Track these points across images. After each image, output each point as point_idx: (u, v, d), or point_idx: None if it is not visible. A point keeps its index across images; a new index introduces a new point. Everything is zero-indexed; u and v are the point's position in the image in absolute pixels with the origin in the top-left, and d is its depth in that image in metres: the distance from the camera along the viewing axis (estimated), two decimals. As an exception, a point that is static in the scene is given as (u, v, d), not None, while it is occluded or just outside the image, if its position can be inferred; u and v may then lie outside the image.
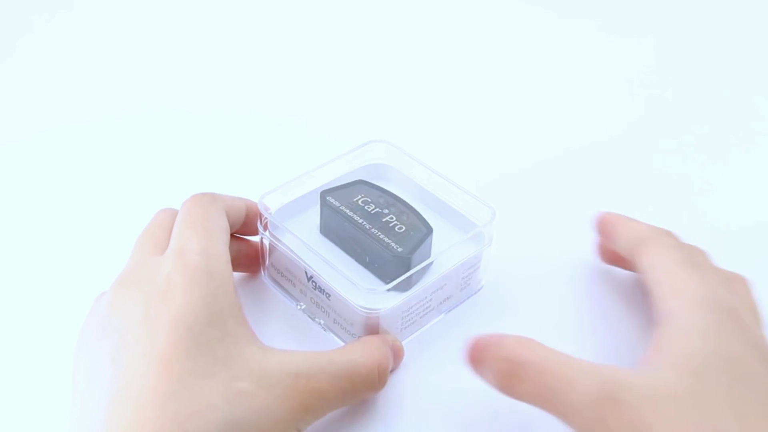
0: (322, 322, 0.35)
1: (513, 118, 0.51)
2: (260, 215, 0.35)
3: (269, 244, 0.36)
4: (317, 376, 0.28)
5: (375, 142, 0.39)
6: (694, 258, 0.32)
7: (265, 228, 0.35)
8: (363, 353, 0.30)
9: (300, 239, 0.34)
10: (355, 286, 0.32)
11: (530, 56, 0.58)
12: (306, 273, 0.34)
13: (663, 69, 0.56)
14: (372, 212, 0.35)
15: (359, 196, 0.36)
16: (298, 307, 0.36)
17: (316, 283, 0.34)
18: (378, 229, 0.34)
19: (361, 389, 0.30)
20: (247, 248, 0.36)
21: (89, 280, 0.34)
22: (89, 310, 0.31)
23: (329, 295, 0.33)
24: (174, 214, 0.33)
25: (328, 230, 0.36)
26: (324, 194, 0.36)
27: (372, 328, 0.32)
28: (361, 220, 0.35)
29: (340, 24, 0.60)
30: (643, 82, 0.55)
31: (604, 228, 0.36)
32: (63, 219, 0.41)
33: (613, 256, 0.38)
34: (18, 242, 0.40)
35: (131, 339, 0.27)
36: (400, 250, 0.33)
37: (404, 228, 0.35)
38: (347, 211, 0.35)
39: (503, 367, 0.27)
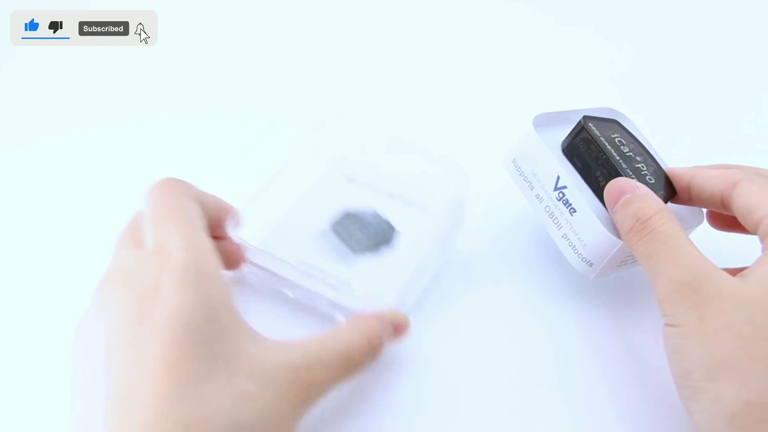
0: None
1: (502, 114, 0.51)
2: None
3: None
4: (315, 367, 0.29)
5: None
6: None
7: None
8: (356, 335, 0.31)
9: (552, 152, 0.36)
10: (605, 215, 0.35)
11: (522, 58, 0.58)
12: (557, 181, 0.35)
13: (644, 71, 0.56)
14: (627, 154, 0.36)
15: (614, 134, 0.37)
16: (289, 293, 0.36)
17: (564, 195, 0.35)
18: (632, 171, 0.35)
19: (356, 369, 0.31)
20: (224, 245, 0.34)
21: (82, 279, 0.33)
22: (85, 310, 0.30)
23: (574, 212, 0.35)
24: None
25: (573, 152, 0.37)
26: (586, 119, 0.36)
27: (604, 254, 0.35)
28: (618, 158, 0.36)
29: (335, 25, 0.60)
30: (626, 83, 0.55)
31: (680, 183, 0.36)
32: (58, 220, 0.42)
33: (725, 221, 0.38)
34: (13, 243, 0.40)
35: (125, 340, 0.26)
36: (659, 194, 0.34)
37: (654, 180, 0.36)
38: (606, 144, 0.36)
39: (630, 223, 0.33)
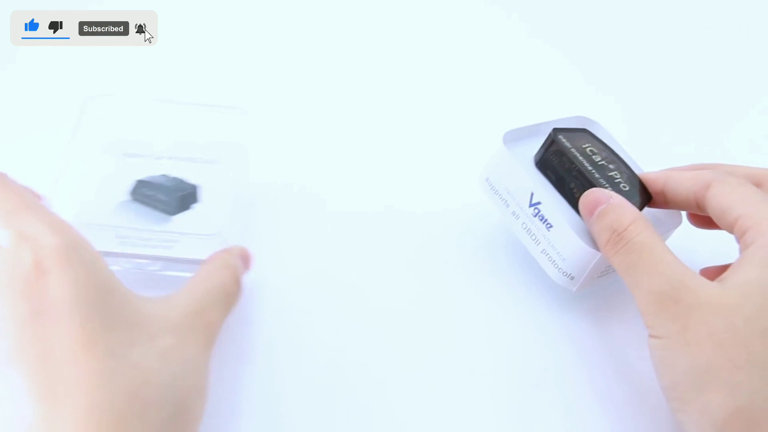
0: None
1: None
2: None
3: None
4: (208, 309, 0.31)
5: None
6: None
7: None
8: (223, 271, 0.33)
9: (521, 167, 0.35)
10: (582, 228, 0.35)
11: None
12: (531, 197, 0.35)
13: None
14: (599, 163, 0.36)
15: (586, 144, 0.37)
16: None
17: (539, 211, 0.35)
18: (605, 180, 0.35)
19: (233, 302, 0.34)
20: None
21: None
22: None
23: (551, 227, 0.35)
24: None
25: (546, 165, 0.37)
26: (556, 131, 0.36)
27: (584, 267, 0.35)
28: (590, 168, 0.35)
29: (334, 23, 0.59)
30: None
31: (655, 187, 0.36)
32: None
33: (705, 220, 0.38)
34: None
35: (26, 339, 0.25)
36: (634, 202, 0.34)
37: (628, 187, 0.36)
38: (578, 155, 0.36)
39: (606, 236, 0.33)
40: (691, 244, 0.38)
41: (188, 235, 0.36)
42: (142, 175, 0.39)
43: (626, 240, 0.32)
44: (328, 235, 0.42)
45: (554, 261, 0.36)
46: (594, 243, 0.34)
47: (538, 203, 0.35)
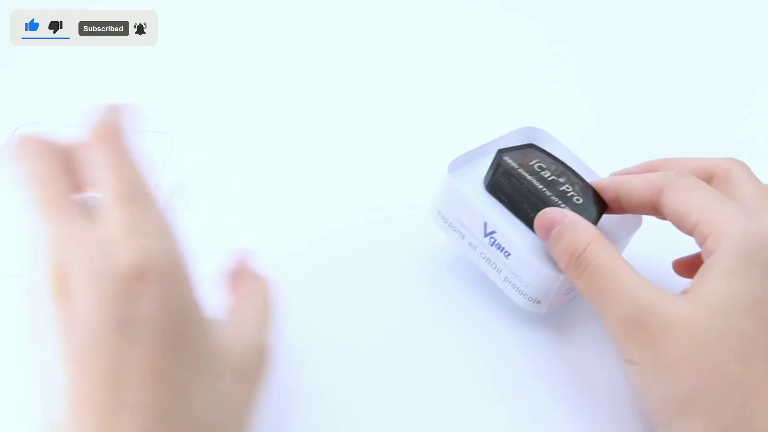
0: None
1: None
2: None
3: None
4: (265, 338, 0.29)
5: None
6: (725, 189, 0.32)
7: None
8: (268, 290, 0.31)
9: (471, 192, 0.35)
10: (541, 249, 0.34)
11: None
12: (485, 227, 0.34)
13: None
14: (549, 179, 0.35)
15: (533, 160, 0.36)
16: None
17: (495, 240, 0.34)
18: (557, 196, 0.34)
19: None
20: None
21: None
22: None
23: (509, 255, 0.34)
24: (61, 153, 0.27)
25: (496, 188, 0.36)
26: (501, 153, 0.35)
27: (549, 290, 0.34)
28: (541, 187, 0.35)
29: (334, 23, 0.60)
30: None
31: (608, 195, 0.35)
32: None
33: (687, 267, 0.36)
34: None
35: (103, 342, 0.24)
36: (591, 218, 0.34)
37: (582, 200, 0.35)
38: (526, 174, 0.35)
39: (566, 259, 0.32)
40: (663, 236, 0.36)
41: None
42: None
43: (586, 263, 0.31)
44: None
45: (518, 287, 0.35)
46: (556, 264, 0.33)
47: (493, 232, 0.34)
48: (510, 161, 0.35)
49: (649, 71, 0.56)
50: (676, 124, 0.52)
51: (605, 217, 0.35)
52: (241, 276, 0.32)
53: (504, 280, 0.35)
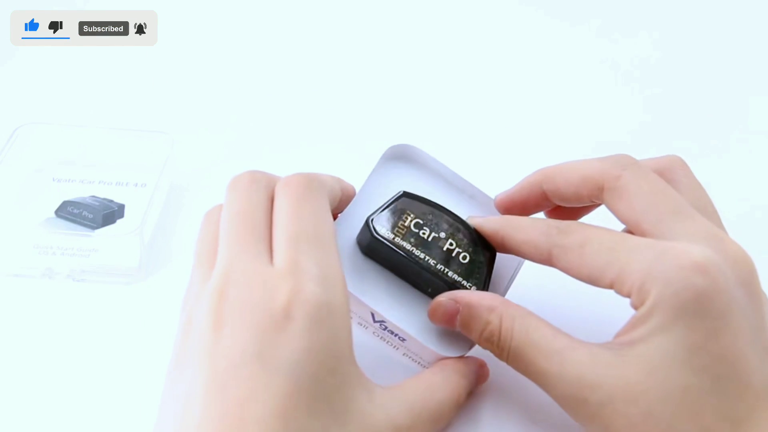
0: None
1: (515, 122, 0.51)
2: None
3: None
4: (415, 426, 0.27)
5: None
6: (617, 205, 0.29)
7: None
8: (447, 392, 0.29)
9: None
10: (434, 330, 0.30)
11: (528, 60, 0.57)
12: (373, 316, 0.30)
13: (661, 69, 0.56)
14: (429, 240, 0.31)
15: (408, 218, 0.31)
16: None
17: (386, 326, 0.31)
18: (440, 261, 0.31)
19: (442, 428, 0.30)
20: None
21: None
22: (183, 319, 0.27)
23: (404, 339, 0.31)
24: (267, 193, 0.28)
25: (374, 254, 0.32)
26: (370, 219, 0.31)
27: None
28: (421, 254, 0.31)
29: (333, 22, 0.60)
30: (641, 83, 0.55)
31: (494, 242, 0.32)
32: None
33: (564, 213, 0.33)
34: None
35: (239, 375, 0.23)
36: (473, 288, 0.31)
37: (468, 257, 0.31)
38: (402, 242, 0.31)
39: (488, 347, 0.29)
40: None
41: (108, 237, 0.38)
42: (71, 197, 0.41)
43: (506, 351, 0.29)
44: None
45: (420, 363, 0.32)
46: (460, 339, 0.31)
47: (382, 320, 0.30)
48: (382, 230, 0.31)
49: (648, 71, 0.56)
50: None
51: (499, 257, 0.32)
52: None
53: (403, 355, 0.32)
